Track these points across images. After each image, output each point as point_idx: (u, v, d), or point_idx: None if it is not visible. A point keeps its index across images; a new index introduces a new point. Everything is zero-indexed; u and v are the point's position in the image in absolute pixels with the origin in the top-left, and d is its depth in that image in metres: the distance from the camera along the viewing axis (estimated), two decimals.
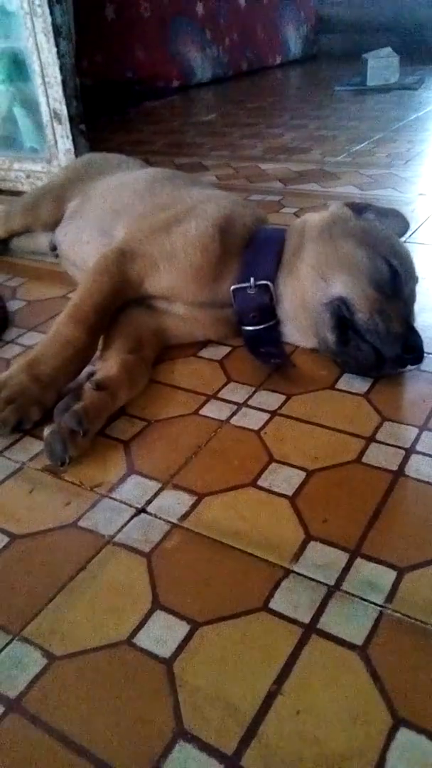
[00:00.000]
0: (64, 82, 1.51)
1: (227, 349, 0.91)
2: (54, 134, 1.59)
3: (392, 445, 0.69)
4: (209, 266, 0.85)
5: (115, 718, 0.44)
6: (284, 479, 0.65)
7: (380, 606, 0.51)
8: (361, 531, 0.58)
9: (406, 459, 0.67)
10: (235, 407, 0.78)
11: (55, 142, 1.60)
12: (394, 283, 0.79)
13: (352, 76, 3.24)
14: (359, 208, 0.90)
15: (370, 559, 0.55)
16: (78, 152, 1.56)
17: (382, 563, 0.55)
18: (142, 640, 0.50)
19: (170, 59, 3.31)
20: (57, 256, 1.18)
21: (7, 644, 0.50)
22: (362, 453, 0.68)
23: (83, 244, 1.05)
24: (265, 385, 0.82)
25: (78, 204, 1.13)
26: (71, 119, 1.55)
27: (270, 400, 0.79)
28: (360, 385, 0.80)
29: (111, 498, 0.65)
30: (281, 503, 0.62)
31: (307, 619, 0.50)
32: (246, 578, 0.54)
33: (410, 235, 1.19)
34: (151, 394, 0.81)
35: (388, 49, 3.06)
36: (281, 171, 1.79)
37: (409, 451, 0.68)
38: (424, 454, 0.68)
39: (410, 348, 0.76)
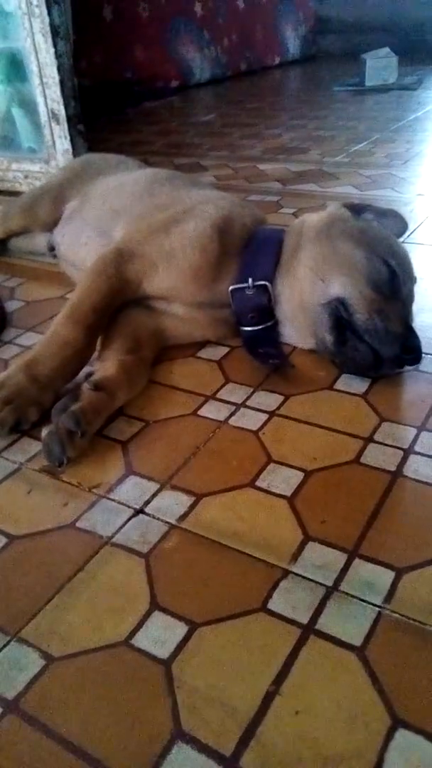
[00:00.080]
0: (62, 83, 1.51)
1: (226, 350, 0.91)
2: (52, 135, 1.59)
3: (390, 446, 0.69)
4: (208, 267, 0.85)
5: (114, 719, 0.44)
6: (283, 480, 0.65)
7: (378, 606, 0.51)
8: (359, 531, 0.58)
9: (404, 459, 0.67)
10: (233, 408, 0.78)
11: (53, 142, 1.60)
12: (393, 284, 0.79)
13: (350, 77, 3.24)
14: (358, 209, 0.90)
15: (368, 559, 0.55)
16: (76, 153, 1.56)
17: (380, 564, 0.55)
18: (141, 640, 0.50)
19: (169, 59, 3.31)
20: (55, 256, 1.18)
21: (5, 645, 0.50)
22: (360, 453, 0.68)
23: (82, 244, 1.05)
24: (264, 386, 0.82)
25: (76, 204, 1.13)
26: (69, 119, 1.55)
27: (268, 400, 0.79)
28: (358, 385, 0.80)
29: (109, 499, 0.65)
30: (280, 504, 0.62)
31: (305, 620, 0.50)
32: (244, 579, 0.54)
33: (409, 236, 1.20)
34: (149, 395, 0.81)
35: (387, 50, 3.07)
36: (280, 171, 1.79)
37: (408, 452, 0.68)
38: (422, 454, 0.68)
39: (409, 348, 0.76)
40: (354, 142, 2.06)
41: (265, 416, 0.76)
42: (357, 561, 0.55)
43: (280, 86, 3.69)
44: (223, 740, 0.43)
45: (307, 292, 0.82)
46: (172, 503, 0.63)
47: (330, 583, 0.53)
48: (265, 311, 0.86)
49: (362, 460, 0.68)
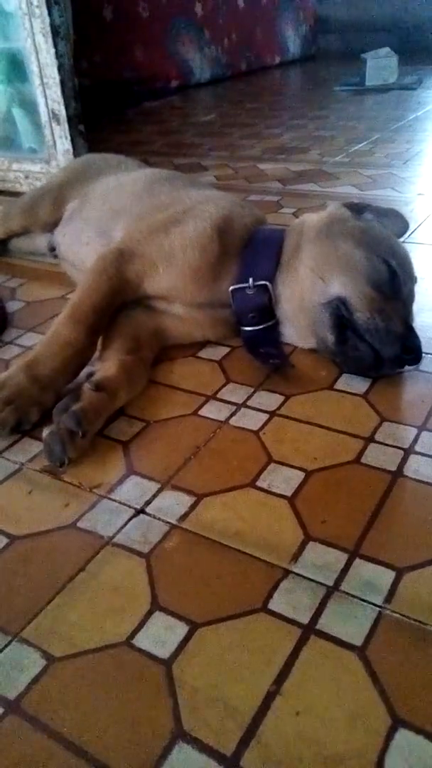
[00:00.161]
0: (62, 83, 1.51)
1: (226, 350, 0.91)
2: (53, 135, 1.59)
3: (391, 446, 0.69)
4: (208, 267, 0.85)
5: (115, 719, 0.44)
6: (283, 480, 0.65)
7: (379, 606, 0.51)
8: (360, 531, 0.58)
9: (404, 459, 0.67)
10: (234, 408, 0.78)
11: (54, 142, 1.60)
12: (393, 283, 0.79)
13: (350, 76, 3.24)
14: (358, 209, 0.90)
15: (369, 559, 0.55)
16: (77, 153, 1.56)
17: (381, 564, 0.55)
18: (142, 641, 0.50)
19: (169, 59, 3.31)
20: (56, 256, 1.18)
21: (7, 645, 0.50)
22: (361, 453, 0.68)
23: (82, 244, 1.05)
24: (264, 386, 0.82)
25: (77, 205, 1.13)
26: (70, 120, 1.55)
27: (269, 400, 0.79)
28: (359, 385, 0.80)
29: (110, 499, 0.65)
30: (280, 504, 0.62)
31: (306, 620, 0.50)
32: (245, 579, 0.54)
33: (409, 235, 1.19)
34: (150, 395, 0.81)
35: (387, 49, 3.07)
36: (280, 171, 1.79)
37: (408, 452, 0.68)
38: (422, 454, 0.68)
39: (409, 348, 0.76)
40: (354, 142, 2.06)
41: (265, 416, 0.76)
42: (357, 561, 0.55)
43: (280, 86, 3.68)
44: (224, 740, 0.43)
45: (307, 291, 0.82)
46: (172, 503, 0.63)
47: (330, 583, 0.53)
48: (266, 311, 0.86)
49: (363, 460, 0.68)
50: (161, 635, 0.50)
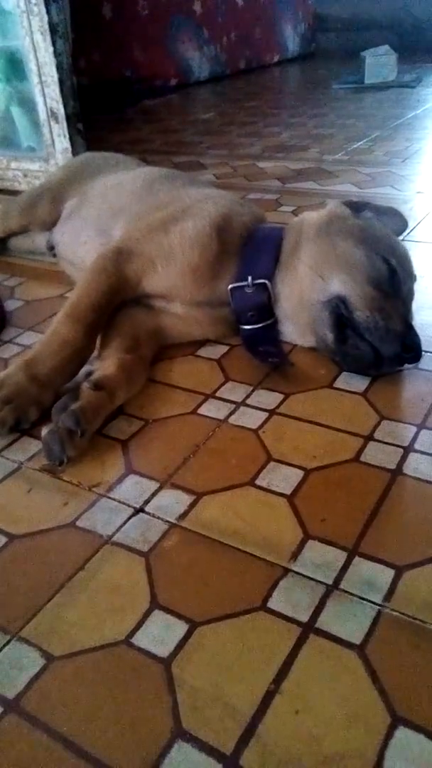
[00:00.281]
0: (61, 81, 1.51)
1: (225, 348, 0.91)
2: (51, 133, 1.59)
3: (390, 444, 0.69)
4: (207, 265, 0.85)
5: (114, 718, 0.44)
6: (282, 478, 0.65)
7: (378, 605, 0.51)
8: (359, 530, 0.58)
9: (404, 458, 0.67)
10: (233, 406, 0.78)
11: (53, 141, 1.60)
12: (393, 282, 0.79)
13: (350, 74, 3.24)
14: (357, 207, 0.90)
15: (368, 558, 0.55)
16: (75, 151, 1.56)
17: (380, 562, 0.55)
18: (141, 639, 0.50)
19: (168, 58, 3.30)
20: (55, 255, 1.18)
21: (6, 644, 0.50)
22: (360, 452, 0.68)
23: (81, 243, 1.05)
24: (264, 384, 0.82)
25: (75, 203, 1.13)
26: (68, 118, 1.55)
27: (268, 399, 0.79)
28: (358, 383, 0.80)
29: (109, 498, 0.65)
30: (279, 502, 0.62)
31: (305, 619, 0.50)
32: (244, 578, 0.54)
33: (408, 233, 1.19)
34: (149, 394, 0.81)
35: (386, 47, 3.06)
36: (279, 169, 1.79)
37: (408, 450, 0.68)
38: (422, 452, 0.68)
39: (409, 346, 0.76)
40: (353, 140, 2.06)
41: (264, 415, 0.76)
42: (357, 559, 0.55)
43: (279, 84, 3.68)
44: (224, 739, 0.43)
45: (307, 290, 0.82)
46: (172, 502, 0.63)
47: (330, 582, 0.53)
48: (265, 309, 0.86)
49: (362, 458, 0.68)
50: (160, 634, 0.50)
